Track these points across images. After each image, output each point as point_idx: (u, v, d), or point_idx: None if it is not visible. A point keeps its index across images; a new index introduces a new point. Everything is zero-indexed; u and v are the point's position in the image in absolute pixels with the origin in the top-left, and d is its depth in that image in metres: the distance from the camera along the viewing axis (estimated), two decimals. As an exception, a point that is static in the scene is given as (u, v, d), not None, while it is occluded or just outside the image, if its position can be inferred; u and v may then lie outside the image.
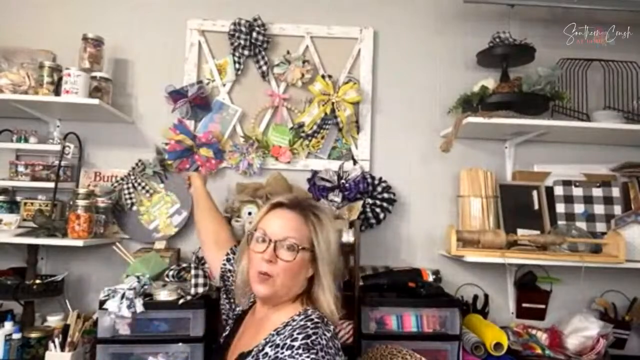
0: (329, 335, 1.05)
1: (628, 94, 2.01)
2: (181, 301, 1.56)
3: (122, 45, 2.07)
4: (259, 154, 2.02)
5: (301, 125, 2.04)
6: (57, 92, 1.80)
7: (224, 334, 1.31)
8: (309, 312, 1.12)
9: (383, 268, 1.94)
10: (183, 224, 1.97)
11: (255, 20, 2.02)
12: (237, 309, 1.35)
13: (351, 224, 1.79)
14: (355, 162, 2.05)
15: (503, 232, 1.86)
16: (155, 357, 1.54)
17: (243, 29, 2.02)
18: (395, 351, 1.40)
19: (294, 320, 1.10)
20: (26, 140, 1.89)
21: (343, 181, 1.96)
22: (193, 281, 1.61)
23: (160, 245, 1.92)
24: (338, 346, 1.06)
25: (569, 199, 2.01)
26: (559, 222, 1.98)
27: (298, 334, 1.03)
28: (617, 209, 1.98)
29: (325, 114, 2.02)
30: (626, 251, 1.76)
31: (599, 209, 2.00)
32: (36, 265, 1.84)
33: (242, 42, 2.03)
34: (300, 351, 0.99)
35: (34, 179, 1.87)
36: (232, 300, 1.39)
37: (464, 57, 2.13)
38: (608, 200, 2.00)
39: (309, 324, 1.07)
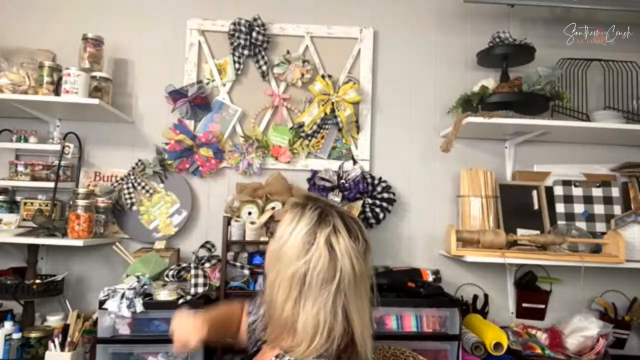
0: None
1: (628, 94, 2.01)
2: (181, 301, 1.56)
3: (122, 45, 2.07)
4: (259, 153, 2.01)
5: (301, 125, 2.04)
6: (57, 92, 1.80)
7: None
8: (285, 358, 0.88)
9: (383, 268, 1.94)
10: (183, 224, 1.97)
11: (255, 20, 2.02)
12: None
13: (351, 224, 1.78)
14: (355, 162, 2.05)
15: (503, 232, 1.86)
16: (155, 357, 1.54)
17: (243, 28, 2.02)
18: (398, 352, 1.40)
19: None
20: (26, 140, 1.89)
21: (343, 181, 1.96)
22: (193, 281, 1.62)
23: (160, 245, 1.92)
24: None
25: (568, 199, 2.01)
26: (559, 222, 1.98)
27: None
28: (617, 209, 1.98)
29: (325, 113, 2.02)
30: (626, 251, 1.76)
31: (598, 209, 2.00)
32: (36, 265, 1.83)
33: (242, 42, 2.03)
34: None
35: (34, 178, 1.87)
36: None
37: (464, 57, 2.13)
38: (608, 200, 2.00)
39: None
